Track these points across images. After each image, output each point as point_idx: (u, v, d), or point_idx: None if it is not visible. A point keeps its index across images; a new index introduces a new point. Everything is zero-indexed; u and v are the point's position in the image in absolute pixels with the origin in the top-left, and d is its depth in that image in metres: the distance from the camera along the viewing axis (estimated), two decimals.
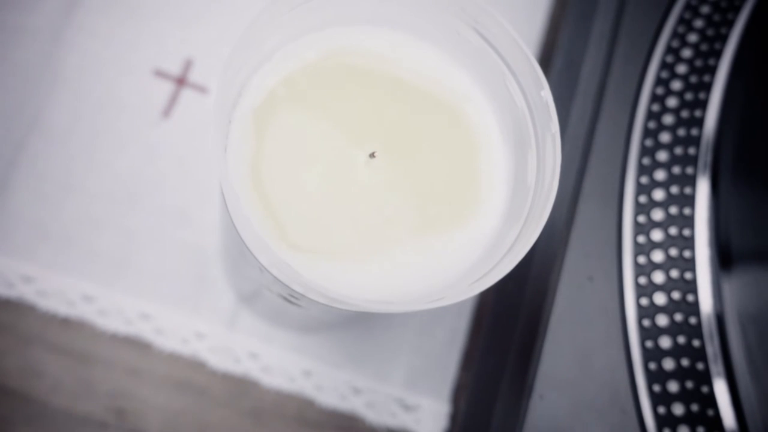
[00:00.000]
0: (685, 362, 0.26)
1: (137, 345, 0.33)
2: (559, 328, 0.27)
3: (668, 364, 0.26)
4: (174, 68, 0.36)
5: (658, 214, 0.27)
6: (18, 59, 0.35)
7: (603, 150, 0.29)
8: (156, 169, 0.35)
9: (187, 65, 0.36)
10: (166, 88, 0.36)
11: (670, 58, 0.29)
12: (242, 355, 0.34)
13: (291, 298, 0.23)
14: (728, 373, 0.25)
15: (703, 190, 0.27)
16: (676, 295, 0.26)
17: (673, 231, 0.27)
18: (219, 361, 0.34)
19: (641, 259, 0.27)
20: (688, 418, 0.25)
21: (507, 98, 0.22)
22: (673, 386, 0.26)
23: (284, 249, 0.20)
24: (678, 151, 0.28)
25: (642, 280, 0.27)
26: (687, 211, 0.27)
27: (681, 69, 0.29)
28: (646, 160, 0.28)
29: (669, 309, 0.26)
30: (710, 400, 0.25)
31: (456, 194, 0.22)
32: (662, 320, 0.26)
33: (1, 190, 0.34)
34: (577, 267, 0.27)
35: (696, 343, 0.26)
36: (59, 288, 0.33)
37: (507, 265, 0.19)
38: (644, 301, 0.27)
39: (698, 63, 0.29)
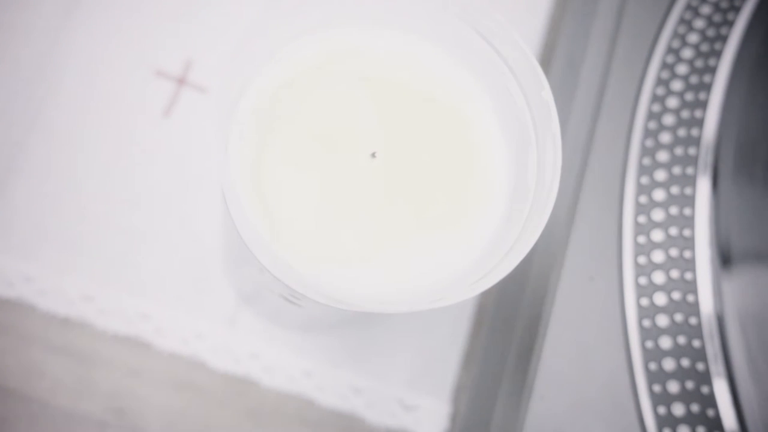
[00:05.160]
0: (685, 362, 0.26)
1: (137, 345, 0.33)
2: (559, 328, 0.27)
3: (668, 364, 0.26)
4: (174, 68, 0.36)
5: (658, 215, 0.27)
6: (18, 59, 0.35)
7: (603, 150, 0.29)
8: (156, 169, 0.35)
9: (187, 65, 0.36)
10: (166, 88, 0.36)
11: (670, 59, 0.29)
12: (242, 355, 0.34)
13: (291, 298, 0.23)
14: (728, 373, 0.25)
15: (703, 190, 0.27)
16: (676, 295, 0.26)
17: (673, 231, 0.27)
18: (219, 361, 0.34)
19: (641, 260, 0.27)
20: (689, 419, 0.25)
21: (507, 98, 0.22)
22: (673, 386, 0.26)
23: (284, 249, 0.20)
24: (678, 151, 0.28)
25: (642, 280, 0.27)
26: (687, 211, 0.27)
27: (681, 69, 0.29)
28: (646, 161, 0.28)
29: (669, 309, 0.26)
30: (710, 400, 0.25)
31: (456, 194, 0.22)
32: (662, 320, 0.26)
33: (1, 190, 0.34)
34: (577, 267, 0.27)
35: (696, 343, 0.26)
36: (59, 288, 0.33)
37: (507, 265, 0.19)
38: (644, 302, 0.27)
39: (699, 63, 0.29)
